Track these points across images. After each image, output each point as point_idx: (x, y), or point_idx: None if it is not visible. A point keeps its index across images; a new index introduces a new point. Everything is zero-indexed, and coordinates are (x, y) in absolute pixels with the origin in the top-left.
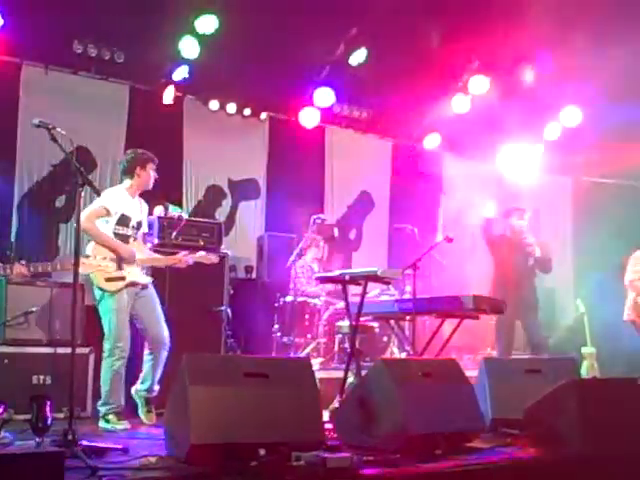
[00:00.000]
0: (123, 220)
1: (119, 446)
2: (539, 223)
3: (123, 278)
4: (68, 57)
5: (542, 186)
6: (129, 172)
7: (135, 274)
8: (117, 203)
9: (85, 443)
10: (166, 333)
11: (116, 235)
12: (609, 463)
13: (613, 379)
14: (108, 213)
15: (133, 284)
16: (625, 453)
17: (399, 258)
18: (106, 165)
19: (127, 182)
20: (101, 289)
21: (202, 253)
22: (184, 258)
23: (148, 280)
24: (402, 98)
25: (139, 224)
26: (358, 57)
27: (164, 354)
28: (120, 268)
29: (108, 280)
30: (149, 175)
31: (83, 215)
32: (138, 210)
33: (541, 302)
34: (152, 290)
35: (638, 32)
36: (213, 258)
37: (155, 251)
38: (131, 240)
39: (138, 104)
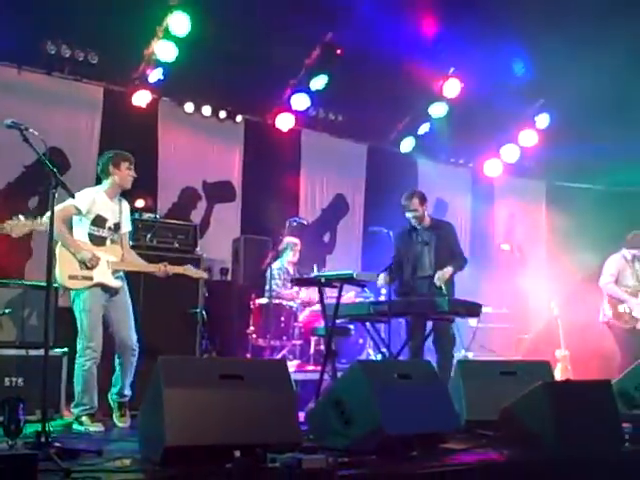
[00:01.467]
0: (98, 221)
1: (93, 448)
2: (514, 227)
3: (90, 278)
4: (41, 58)
5: (516, 190)
6: (104, 173)
7: (104, 276)
8: (90, 203)
9: (58, 445)
10: (134, 338)
11: (91, 236)
12: (582, 464)
13: (587, 381)
14: (78, 212)
15: (102, 285)
16: (598, 454)
17: (373, 261)
18: (80, 166)
19: (104, 183)
20: (63, 286)
21: (189, 267)
22: (164, 269)
23: (119, 284)
24: (377, 102)
25: (117, 226)
26: (333, 60)
27: (132, 359)
28: (87, 268)
29: (71, 278)
30: (125, 174)
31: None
32: (117, 211)
33: (515, 304)
34: (126, 294)
35: (611, 35)
36: (201, 273)
37: None
38: (108, 242)
39: (112, 105)
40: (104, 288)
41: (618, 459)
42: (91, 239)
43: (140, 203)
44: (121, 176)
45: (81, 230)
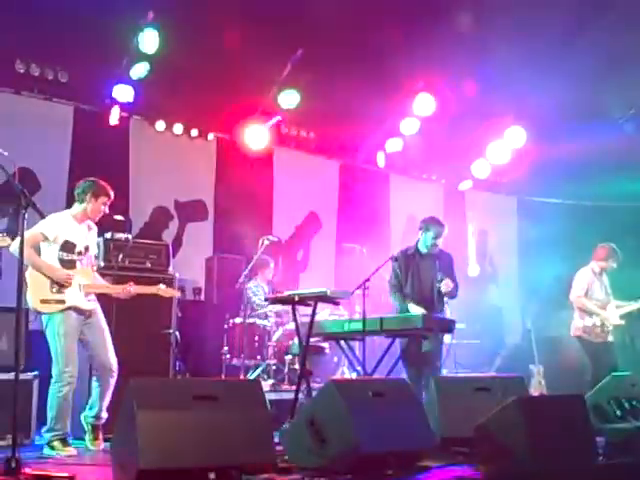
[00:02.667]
0: (67, 246)
1: (65, 474)
2: (486, 242)
3: (62, 301)
4: (10, 76)
5: (488, 205)
6: (81, 197)
7: (76, 299)
8: (58, 229)
9: (29, 471)
10: (113, 360)
11: (61, 261)
12: (557, 479)
13: (560, 396)
14: (45, 239)
15: (75, 309)
16: (572, 469)
17: (347, 278)
18: (50, 187)
19: (76, 207)
20: (36, 310)
21: (161, 286)
22: (127, 289)
23: (92, 306)
24: (349, 119)
25: (86, 249)
26: (304, 78)
27: (111, 381)
28: (59, 292)
29: (43, 302)
30: (98, 208)
31: (17, 242)
32: (84, 235)
33: (488, 320)
34: (100, 316)
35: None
36: (173, 291)
37: (101, 274)
38: (78, 265)
39: (83, 125)
40: (78, 311)
41: (592, 473)
42: (62, 263)
43: (119, 217)
44: (94, 208)
45: (50, 256)
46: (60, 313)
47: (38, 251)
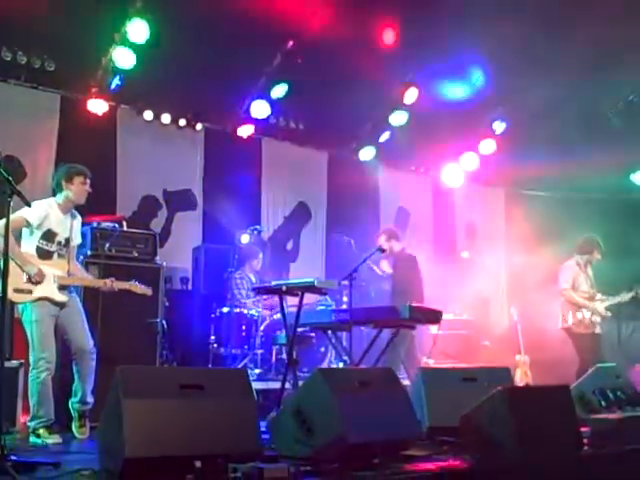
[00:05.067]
0: (48, 235)
1: (50, 461)
2: (474, 234)
3: (30, 292)
4: None
5: (476, 197)
6: (58, 186)
7: (47, 290)
8: (42, 217)
9: (14, 458)
10: (91, 342)
11: (39, 249)
12: (542, 469)
13: (546, 386)
14: (28, 224)
15: (46, 299)
16: (557, 459)
17: (336, 269)
18: (36, 175)
19: (58, 196)
20: (9, 300)
21: (134, 282)
22: (109, 284)
23: (64, 298)
24: (338, 110)
25: (67, 240)
26: (293, 69)
27: (91, 363)
28: (31, 282)
29: (17, 291)
30: (78, 189)
31: (1, 223)
32: (67, 226)
33: (476, 311)
34: (76, 302)
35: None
36: (146, 289)
37: (88, 263)
38: (55, 256)
39: (70, 113)
40: (50, 302)
41: (577, 463)
42: (38, 252)
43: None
44: (75, 191)
45: (29, 243)
46: (33, 302)
47: (18, 237)
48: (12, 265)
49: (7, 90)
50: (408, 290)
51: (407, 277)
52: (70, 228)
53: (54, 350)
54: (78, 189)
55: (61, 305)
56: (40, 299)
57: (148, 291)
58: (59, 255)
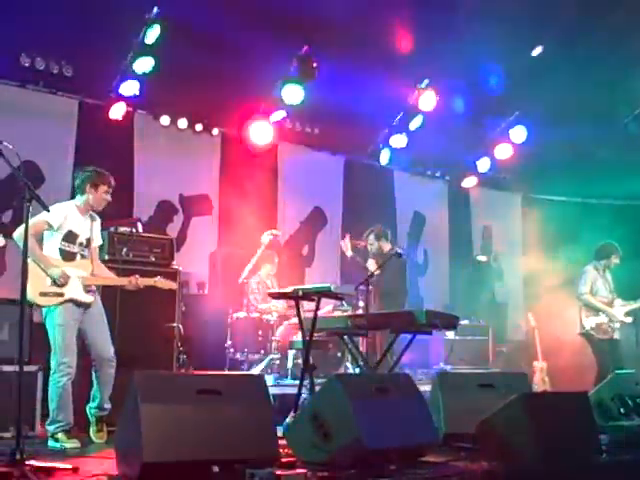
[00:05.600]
0: (70, 237)
1: (69, 465)
2: (491, 238)
3: (61, 294)
4: (15, 70)
5: (493, 202)
6: (80, 189)
7: (75, 291)
8: (62, 218)
9: (33, 463)
10: (111, 350)
11: (61, 251)
12: (560, 477)
13: (564, 393)
14: (50, 227)
15: (73, 301)
16: (575, 466)
17: (352, 274)
18: (54, 180)
19: (78, 199)
20: (35, 303)
21: (159, 278)
22: (134, 281)
23: (90, 299)
24: (354, 114)
25: (88, 241)
26: (308, 73)
27: (110, 371)
28: (56, 284)
29: (42, 294)
30: (100, 197)
31: (21, 229)
32: (88, 227)
33: (493, 316)
34: (99, 306)
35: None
36: (171, 283)
37: (106, 267)
38: (78, 257)
39: (87, 119)
40: (76, 303)
41: (595, 471)
42: (61, 254)
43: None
44: (96, 198)
45: (52, 245)
46: (59, 305)
47: (40, 240)
48: (36, 269)
49: (26, 96)
50: (393, 293)
51: (395, 278)
52: (90, 229)
53: (75, 355)
54: (100, 197)
55: (86, 306)
56: (67, 301)
57: (173, 285)
58: (82, 256)
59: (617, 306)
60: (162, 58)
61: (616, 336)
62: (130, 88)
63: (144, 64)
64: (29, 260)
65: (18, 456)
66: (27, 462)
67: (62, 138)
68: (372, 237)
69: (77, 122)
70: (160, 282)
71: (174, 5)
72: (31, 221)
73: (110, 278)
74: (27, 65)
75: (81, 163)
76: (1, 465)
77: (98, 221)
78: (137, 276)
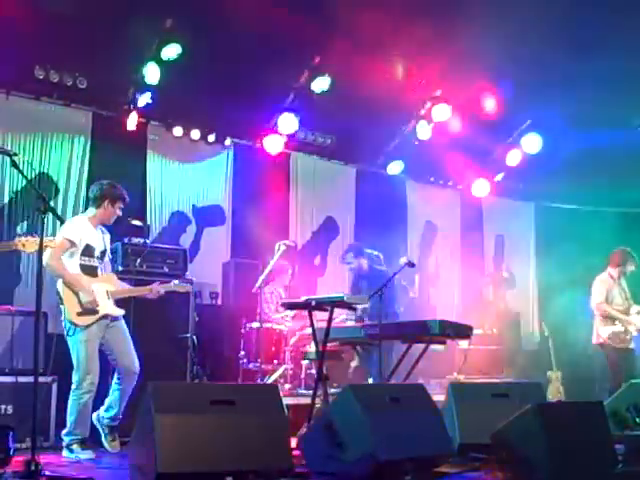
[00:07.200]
0: (88, 250)
1: (83, 476)
2: (503, 248)
3: (96, 312)
4: (30, 83)
5: (505, 212)
6: (97, 202)
7: (107, 307)
8: (80, 233)
9: (48, 473)
10: (137, 364)
11: (83, 267)
12: None
13: (579, 402)
14: (72, 244)
15: (105, 317)
16: (591, 476)
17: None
18: (68, 192)
19: (91, 211)
20: (73, 323)
21: (176, 282)
22: (156, 288)
23: (121, 312)
24: (366, 124)
25: (103, 253)
26: (321, 84)
27: (133, 384)
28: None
29: (79, 315)
30: (114, 212)
31: (47, 254)
32: (101, 239)
33: (506, 326)
34: (122, 320)
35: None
36: (187, 287)
37: (119, 278)
38: (99, 271)
39: (101, 130)
40: (107, 318)
41: None
42: (84, 270)
43: (136, 222)
44: (110, 213)
45: (72, 261)
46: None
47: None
48: (69, 290)
49: (40, 108)
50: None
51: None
52: (103, 241)
53: (98, 371)
54: (114, 212)
55: (112, 318)
56: (101, 318)
57: (189, 287)
58: (101, 269)
59: (633, 314)
60: (174, 68)
61: (632, 345)
62: (143, 99)
63: (157, 75)
64: (60, 282)
65: (33, 467)
66: (42, 473)
67: (76, 150)
68: (351, 255)
69: (91, 133)
70: (178, 286)
71: (187, 16)
72: (53, 244)
73: (133, 289)
74: (41, 77)
75: (95, 174)
76: (17, 476)
77: (108, 235)
78: (157, 283)
